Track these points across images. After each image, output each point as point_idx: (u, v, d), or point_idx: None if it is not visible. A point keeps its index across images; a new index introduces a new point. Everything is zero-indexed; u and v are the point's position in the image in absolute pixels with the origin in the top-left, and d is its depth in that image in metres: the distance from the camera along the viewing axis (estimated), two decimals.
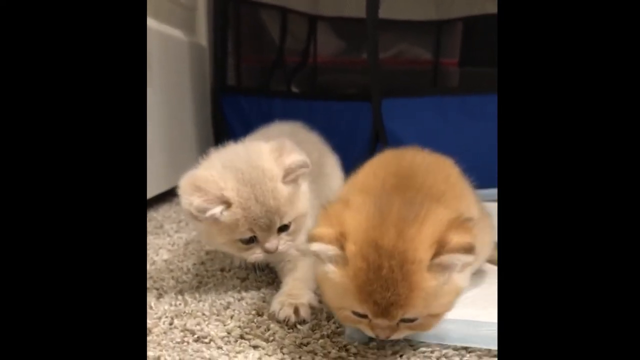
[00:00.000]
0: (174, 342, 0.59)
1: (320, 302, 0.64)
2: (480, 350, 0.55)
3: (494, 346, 0.54)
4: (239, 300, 0.70)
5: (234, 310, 0.67)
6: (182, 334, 0.61)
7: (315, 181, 0.81)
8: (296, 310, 0.62)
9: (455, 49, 1.92)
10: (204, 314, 0.66)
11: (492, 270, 0.73)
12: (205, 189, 0.65)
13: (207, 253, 0.91)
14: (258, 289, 0.75)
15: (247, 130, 0.99)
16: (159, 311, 0.67)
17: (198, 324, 0.63)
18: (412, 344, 0.56)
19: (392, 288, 0.46)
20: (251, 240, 0.68)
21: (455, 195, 0.57)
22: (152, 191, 1.23)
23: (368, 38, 1.30)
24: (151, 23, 1.24)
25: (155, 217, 1.17)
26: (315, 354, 0.55)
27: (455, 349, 0.56)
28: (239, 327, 0.62)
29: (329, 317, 0.63)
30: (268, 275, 0.80)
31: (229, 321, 0.64)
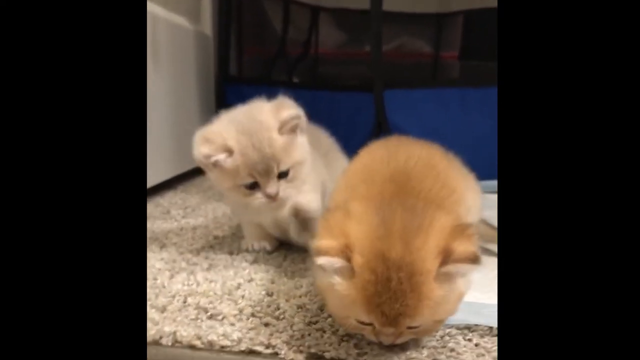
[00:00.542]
0: (188, 318, 0.61)
1: None
2: (482, 329, 0.58)
3: (495, 324, 0.57)
4: (248, 281, 0.73)
5: (244, 290, 0.69)
6: (195, 311, 0.63)
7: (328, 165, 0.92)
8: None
9: (455, 42, 1.94)
10: (215, 294, 0.68)
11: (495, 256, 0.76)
12: (212, 139, 0.75)
13: (215, 237, 0.94)
14: (267, 271, 0.77)
15: None
16: (172, 290, 0.69)
17: (211, 302, 0.65)
18: None
19: (401, 299, 0.46)
20: (253, 187, 0.76)
21: (453, 198, 0.57)
22: (158, 178, 1.25)
23: (371, 30, 1.31)
24: (158, 11, 1.25)
25: (162, 204, 1.19)
26: (324, 331, 0.58)
27: (458, 328, 0.58)
28: (250, 306, 0.65)
29: None
30: (276, 259, 0.82)
31: (240, 300, 0.66)
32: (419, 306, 0.46)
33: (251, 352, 0.55)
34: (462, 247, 0.47)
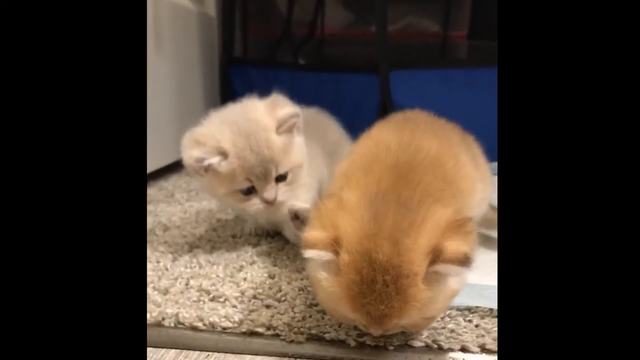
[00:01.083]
0: (190, 300, 0.62)
1: None
2: (482, 310, 0.58)
3: (495, 306, 0.57)
4: (250, 264, 0.73)
5: (246, 272, 0.70)
6: (198, 293, 0.64)
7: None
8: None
9: (464, 21, 1.91)
10: (218, 276, 0.69)
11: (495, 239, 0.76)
12: (204, 142, 0.69)
13: (219, 220, 0.94)
14: (269, 254, 0.77)
15: None
16: (175, 272, 0.70)
17: (213, 284, 0.66)
18: None
19: (387, 301, 0.44)
20: (250, 191, 0.71)
21: (455, 191, 0.53)
22: (162, 161, 1.25)
23: (376, 10, 1.29)
24: None
25: (166, 187, 1.20)
26: (325, 313, 0.58)
27: (459, 309, 0.58)
28: (252, 288, 0.65)
29: None
30: (278, 242, 0.82)
31: (242, 282, 0.67)
32: (405, 308, 0.45)
33: (252, 333, 0.55)
34: (454, 246, 0.44)
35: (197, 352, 0.54)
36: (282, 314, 0.58)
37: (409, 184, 0.50)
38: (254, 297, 0.63)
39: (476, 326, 0.55)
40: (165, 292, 0.64)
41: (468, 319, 0.57)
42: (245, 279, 0.68)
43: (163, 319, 0.58)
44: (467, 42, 1.90)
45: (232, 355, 0.53)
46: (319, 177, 0.83)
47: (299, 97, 1.02)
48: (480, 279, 0.62)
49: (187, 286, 0.66)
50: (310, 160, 0.78)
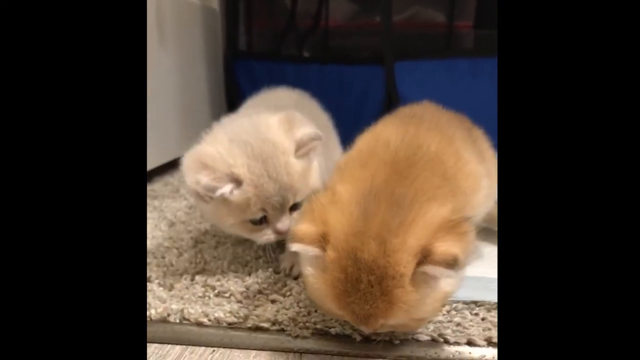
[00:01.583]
0: (195, 296, 0.62)
1: None
2: (489, 303, 0.57)
3: None
4: (256, 259, 0.73)
5: (251, 268, 0.70)
6: (203, 289, 0.64)
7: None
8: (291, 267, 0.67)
9: (470, 11, 1.89)
10: (223, 272, 0.69)
11: None
12: (213, 166, 0.59)
13: None
14: (274, 250, 0.77)
15: None
16: (180, 268, 0.70)
17: (218, 280, 0.66)
18: None
19: (371, 302, 0.43)
20: (262, 221, 0.63)
21: (455, 189, 0.51)
22: (167, 156, 1.25)
23: (381, 0, 1.28)
24: None
25: (171, 182, 1.20)
26: None
27: (465, 302, 0.58)
28: (257, 283, 0.65)
29: None
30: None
31: (247, 278, 0.67)
32: (391, 309, 0.44)
33: (258, 328, 0.55)
34: (444, 247, 0.42)
35: (203, 348, 0.54)
36: (287, 309, 0.58)
37: (404, 180, 0.48)
38: (259, 292, 0.63)
39: (482, 319, 0.55)
40: (171, 287, 0.64)
41: (474, 312, 0.56)
42: (250, 274, 0.68)
43: (168, 314, 0.58)
44: (473, 32, 1.88)
45: (238, 351, 0.53)
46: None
47: (304, 89, 1.01)
48: (486, 272, 0.62)
49: (193, 282, 0.66)
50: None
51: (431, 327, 0.54)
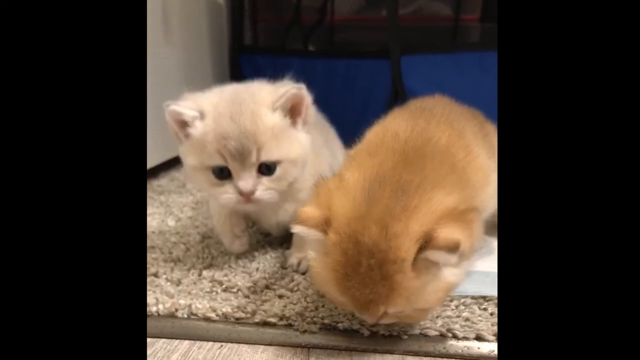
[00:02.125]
0: (203, 291, 0.62)
1: None
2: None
3: None
4: (263, 254, 0.73)
5: (259, 263, 0.70)
6: (210, 284, 0.64)
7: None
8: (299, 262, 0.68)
9: (476, 4, 1.87)
10: (230, 267, 0.69)
11: None
12: (188, 97, 0.63)
13: None
14: (281, 244, 0.77)
15: None
16: (187, 263, 0.70)
17: (225, 275, 0.66)
18: None
19: (371, 286, 0.43)
20: (223, 176, 0.61)
21: (464, 181, 0.51)
22: (173, 152, 1.25)
23: None
24: None
25: (177, 177, 1.20)
26: None
27: (474, 297, 0.58)
28: (265, 278, 0.65)
29: None
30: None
31: (254, 273, 0.67)
32: (391, 295, 0.43)
33: (265, 323, 0.55)
34: (446, 233, 0.42)
35: (211, 343, 0.54)
36: (294, 304, 0.58)
37: (411, 167, 0.48)
38: (267, 287, 0.63)
39: (491, 314, 0.55)
40: (178, 283, 0.64)
41: (483, 307, 0.56)
42: (257, 269, 0.68)
43: (176, 310, 0.58)
44: (480, 25, 1.86)
45: (246, 346, 0.53)
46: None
47: (310, 84, 1.01)
48: (495, 267, 0.61)
49: (200, 277, 0.66)
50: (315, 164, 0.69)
51: (439, 322, 0.54)
